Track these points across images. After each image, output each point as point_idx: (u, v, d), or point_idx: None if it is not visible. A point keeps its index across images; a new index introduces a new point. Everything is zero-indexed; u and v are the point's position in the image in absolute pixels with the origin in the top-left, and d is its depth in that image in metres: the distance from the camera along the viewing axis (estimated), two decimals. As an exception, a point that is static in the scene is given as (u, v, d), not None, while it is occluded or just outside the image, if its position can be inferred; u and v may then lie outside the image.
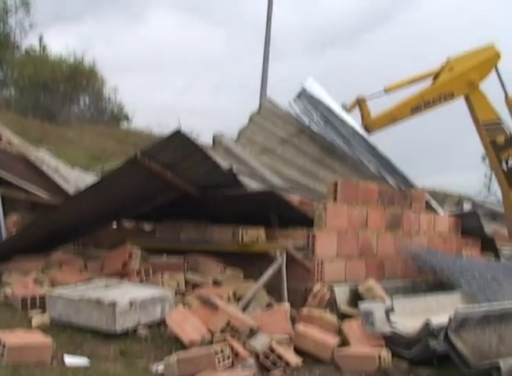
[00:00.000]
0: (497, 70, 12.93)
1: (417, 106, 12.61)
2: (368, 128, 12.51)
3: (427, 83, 13.01)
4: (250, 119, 12.34)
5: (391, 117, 12.65)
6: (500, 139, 12.89)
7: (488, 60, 12.89)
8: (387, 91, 12.85)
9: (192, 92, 48.64)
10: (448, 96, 12.72)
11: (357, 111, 12.77)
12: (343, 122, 11.89)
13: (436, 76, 12.91)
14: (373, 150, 11.90)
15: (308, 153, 11.73)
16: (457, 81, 12.72)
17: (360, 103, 12.72)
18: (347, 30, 57.59)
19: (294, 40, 56.59)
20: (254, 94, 28.78)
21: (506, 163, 13.03)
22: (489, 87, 13.14)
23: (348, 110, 12.64)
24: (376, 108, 12.93)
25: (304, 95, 11.79)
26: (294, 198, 9.49)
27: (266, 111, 12.58)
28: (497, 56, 12.91)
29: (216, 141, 10.98)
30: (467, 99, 12.89)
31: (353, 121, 12.20)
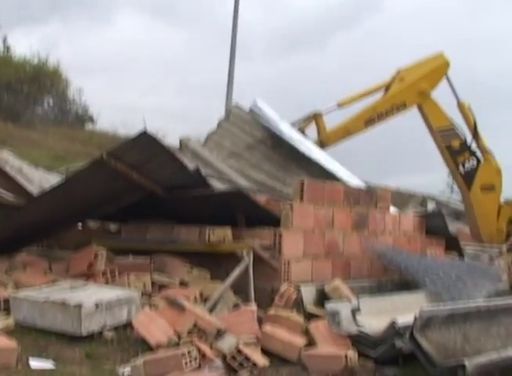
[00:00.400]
0: (447, 78, 13.12)
1: (371, 118, 12.72)
2: (323, 143, 12.55)
3: (379, 95, 13.13)
4: (219, 124, 12.33)
5: (346, 131, 12.74)
6: (455, 144, 13.13)
7: (437, 69, 13.10)
8: (340, 105, 12.95)
9: (157, 93, 48.50)
10: (401, 107, 12.87)
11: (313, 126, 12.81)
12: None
13: (388, 87, 13.04)
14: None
15: (274, 158, 11.74)
16: (408, 91, 12.89)
17: (316, 118, 12.77)
18: (313, 32, 57.74)
19: (261, 40, 56.75)
20: (220, 94, 28.77)
21: (463, 166, 13.26)
22: (441, 93, 13.36)
23: (303, 125, 12.66)
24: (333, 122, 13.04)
25: (252, 112, 11.77)
26: (261, 198, 9.49)
27: (234, 117, 12.57)
28: (446, 64, 13.13)
29: (183, 144, 10.96)
30: (420, 107, 13.08)
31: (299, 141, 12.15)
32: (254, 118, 11.89)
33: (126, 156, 7.91)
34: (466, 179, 13.40)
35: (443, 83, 13.26)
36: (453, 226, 13.15)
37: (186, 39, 56.45)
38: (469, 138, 13.34)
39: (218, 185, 9.95)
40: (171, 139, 23.35)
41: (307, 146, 11.56)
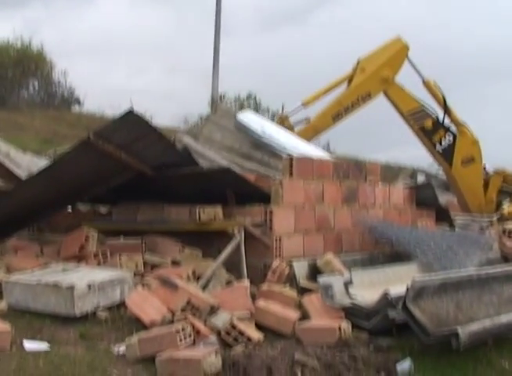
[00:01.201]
0: (409, 59, 13.07)
1: (338, 113, 12.66)
2: None
3: (344, 88, 13.08)
4: (207, 119, 12.28)
5: (314, 129, 12.68)
6: (428, 124, 13.12)
7: (397, 54, 13.03)
8: (305, 104, 12.89)
9: (144, 74, 48.17)
10: (366, 97, 12.81)
11: None
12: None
13: (350, 79, 12.98)
14: None
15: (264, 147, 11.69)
16: (371, 81, 12.82)
17: (283, 121, 12.71)
18: (299, 7, 57.40)
19: (246, 17, 56.30)
20: (207, 74, 28.64)
21: (440, 144, 13.26)
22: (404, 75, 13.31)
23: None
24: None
25: (237, 124, 11.71)
26: (250, 175, 9.48)
27: (222, 111, 12.55)
28: (405, 47, 13.07)
29: (176, 139, 10.93)
30: (386, 94, 13.03)
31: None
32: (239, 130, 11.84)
33: (113, 136, 7.87)
34: (445, 156, 13.41)
35: (406, 64, 13.19)
36: (443, 198, 13.16)
37: (172, 19, 56.03)
38: (440, 115, 13.32)
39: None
40: (160, 120, 23.34)
41: (291, 147, 11.44)
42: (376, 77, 12.80)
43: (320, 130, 12.68)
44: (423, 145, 13.67)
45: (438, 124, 13.22)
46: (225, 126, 11.53)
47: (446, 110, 13.24)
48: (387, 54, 12.98)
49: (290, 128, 12.56)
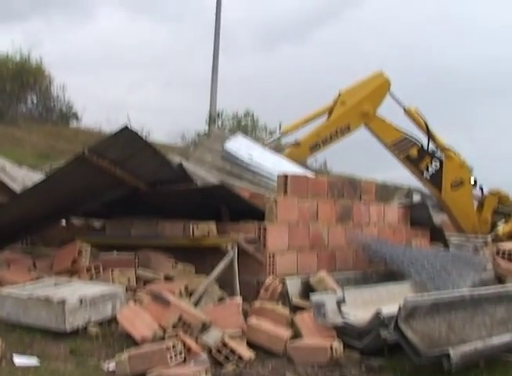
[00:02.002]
0: (391, 93, 13.09)
1: (316, 144, 12.65)
2: None
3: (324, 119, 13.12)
4: (200, 143, 12.29)
5: (292, 158, 12.66)
6: (413, 152, 13.12)
7: (378, 89, 13.03)
8: (284, 133, 12.95)
9: (142, 90, 48.24)
10: (345, 130, 12.82)
11: None
12: None
13: (331, 111, 13.00)
14: None
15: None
16: (351, 114, 12.82)
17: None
18: (298, 25, 57.68)
19: (244, 34, 56.58)
20: (205, 90, 28.68)
21: (428, 170, 13.27)
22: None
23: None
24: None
25: (225, 154, 11.72)
26: (244, 192, 9.48)
27: (214, 136, 12.62)
28: (387, 82, 13.07)
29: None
30: (368, 127, 13.05)
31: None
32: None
33: (108, 152, 7.89)
34: (434, 183, 13.41)
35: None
36: (438, 217, 13.15)
37: (171, 35, 56.24)
38: (425, 142, 13.33)
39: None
40: (157, 136, 23.35)
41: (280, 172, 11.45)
42: (356, 110, 12.81)
43: (298, 159, 12.61)
44: (411, 173, 13.69)
45: (423, 152, 13.23)
46: (216, 149, 11.58)
47: (430, 136, 13.24)
48: (368, 88, 12.99)
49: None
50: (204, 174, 10.11)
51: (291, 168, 11.03)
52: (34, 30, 46.54)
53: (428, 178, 13.34)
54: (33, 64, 28.42)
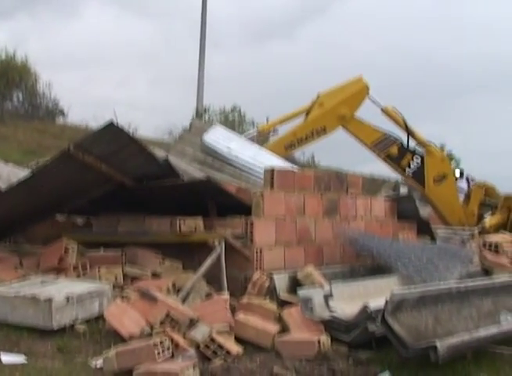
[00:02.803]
0: (370, 98, 13.15)
1: (291, 143, 12.72)
2: None
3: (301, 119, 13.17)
4: (181, 136, 12.21)
5: None
6: (394, 151, 13.20)
7: (357, 93, 13.11)
8: (261, 132, 13.00)
9: (129, 86, 48.19)
10: (321, 131, 12.89)
11: None
12: None
13: (308, 112, 13.06)
14: None
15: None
16: (328, 116, 12.90)
17: None
18: (286, 22, 57.76)
19: (232, 30, 56.60)
20: (192, 86, 28.65)
21: (410, 167, 13.33)
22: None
23: None
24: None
25: (203, 146, 11.68)
26: (231, 187, 9.46)
27: (195, 129, 12.54)
28: (366, 88, 13.16)
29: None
30: (346, 129, 13.11)
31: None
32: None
33: (94, 147, 7.86)
34: (416, 179, 13.48)
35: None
36: (425, 210, 13.20)
37: (158, 32, 56.20)
38: (404, 139, 13.39)
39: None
40: (144, 132, 23.29)
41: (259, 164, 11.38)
42: (333, 113, 12.87)
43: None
44: (394, 171, 13.76)
45: (403, 149, 13.30)
46: (196, 142, 11.54)
47: (409, 132, 13.31)
48: (347, 92, 13.06)
49: None
50: (185, 167, 10.05)
51: (271, 160, 11.02)
52: (19, 28, 46.36)
53: (411, 175, 13.41)
54: (18, 62, 28.28)
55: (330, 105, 12.88)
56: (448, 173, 13.62)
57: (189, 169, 10.02)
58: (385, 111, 13.31)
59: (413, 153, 13.37)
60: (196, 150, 11.47)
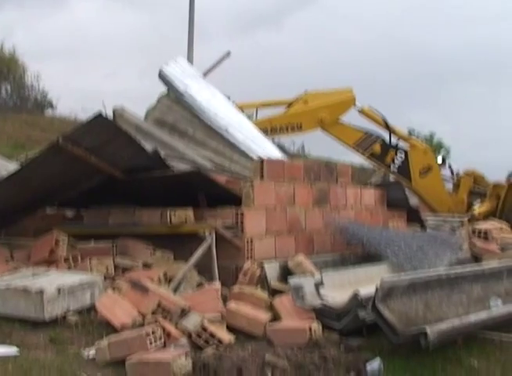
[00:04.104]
0: (357, 109, 13.22)
1: (264, 129, 12.70)
2: None
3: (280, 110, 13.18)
4: (159, 100, 11.93)
5: None
6: (376, 149, 13.30)
7: (342, 103, 13.22)
8: (238, 109, 12.95)
9: (118, 77, 48.02)
10: (296, 128, 12.94)
11: None
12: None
13: (290, 105, 13.07)
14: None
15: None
16: (308, 116, 12.97)
17: None
18: (274, 11, 57.65)
19: (220, 21, 56.39)
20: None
21: (394, 163, 13.39)
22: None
23: None
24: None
25: (161, 78, 11.51)
26: (221, 178, 9.48)
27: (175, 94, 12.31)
28: (352, 100, 13.26)
29: (117, 115, 10.48)
30: (327, 132, 13.16)
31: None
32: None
33: (83, 140, 7.84)
34: (402, 174, 13.57)
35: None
36: (414, 199, 13.26)
37: (146, 22, 55.94)
38: (386, 136, 13.44)
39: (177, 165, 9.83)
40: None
41: (213, 110, 11.30)
42: (313, 114, 12.94)
43: None
44: (378, 168, 13.83)
45: (386, 146, 13.39)
46: (178, 111, 11.32)
47: (389, 129, 13.36)
48: (333, 99, 13.15)
49: None
50: (160, 134, 9.94)
51: (223, 107, 11.06)
52: (6, 19, 46.04)
53: (396, 170, 13.50)
54: (6, 54, 28.16)
55: (314, 105, 12.97)
56: (432, 164, 13.73)
57: (168, 140, 9.87)
58: (363, 111, 13.38)
59: (396, 148, 13.46)
60: (177, 118, 11.22)
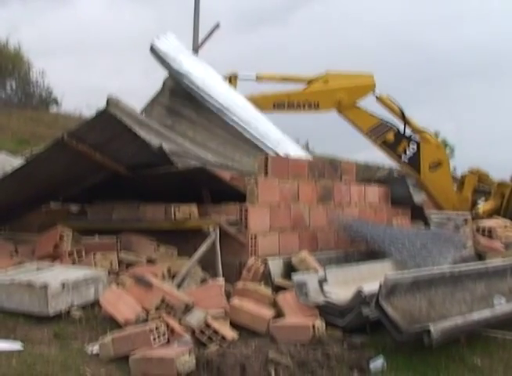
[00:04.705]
0: (375, 95, 13.18)
1: (281, 103, 12.69)
2: None
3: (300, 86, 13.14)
4: (164, 83, 11.79)
5: (253, 103, 12.60)
6: (390, 137, 13.23)
7: (362, 87, 13.15)
8: (258, 78, 12.93)
9: (122, 74, 48.01)
10: (314, 106, 12.86)
11: None
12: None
13: (310, 83, 13.03)
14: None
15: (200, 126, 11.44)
16: (326, 95, 12.90)
17: (231, 80, 12.65)
18: (280, 7, 57.56)
19: (228, 17, 56.38)
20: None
21: (405, 154, 13.36)
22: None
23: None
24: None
25: (153, 53, 11.45)
26: (225, 174, 9.47)
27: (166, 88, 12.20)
28: (372, 86, 13.18)
29: (111, 104, 10.38)
30: (343, 115, 13.12)
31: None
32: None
33: (87, 136, 7.87)
34: (412, 165, 13.51)
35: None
36: (419, 196, 13.24)
37: (151, 19, 55.92)
38: (400, 126, 13.41)
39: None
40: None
41: (208, 85, 11.31)
42: (332, 94, 12.88)
43: (258, 108, 12.55)
44: (389, 158, 13.78)
45: (399, 136, 13.33)
46: (181, 95, 11.29)
47: (405, 120, 13.32)
48: (353, 82, 13.09)
49: (234, 88, 12.43)
50: (156, 126, 9.91)
51: (219, 88, 11.07)
52: (12, 16, 46.10)
53: (406, 161, 13.44)
54: (11, 50, 28.18)
55: (333, 86, 12.91)
56: (443, 160, 13.67)
57: (162, 130, 9.85)
58: (380, 99, 13.33)
59: (409, 139, 13.40)
60: (175, 101, 11.25)
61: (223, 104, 11.14)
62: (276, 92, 12.92)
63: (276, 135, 11.41)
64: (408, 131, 13.46)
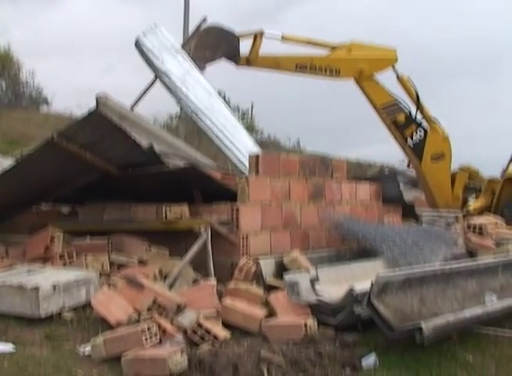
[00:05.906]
0: (394, 70, 13.19)
1: (303, 65, 12.59)
2: (249, 61, 12.34)
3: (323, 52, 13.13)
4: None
5: (276, 63, 12.47)
6: (401, 118, 13.18)
7: (384, 60, 13.12)
8: (283, 39, 12.84)
9: (113, 74, 47.82)
10: (334, 73, 12.83)
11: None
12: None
13: (333, 49, 13.05)
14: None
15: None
16: (348, 63, 12.87)
17: (256, 37, 12.60)
18: (270, 6, 57.50)
19: (217, 16, 56.17)
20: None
21: (412, 138, 13.35)
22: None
23: (242, 36, 12.40)
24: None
25: (137, 48, 11.45)
26: (216, 173, 9.48)
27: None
28: (394, 60, 13.16)
29: (100, 102, 10.38)
30: (360, 86, 13.10)
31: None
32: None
33: (77, 136, 7.84)
34: (415, 151, 13.48)
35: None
36: (411, 194, 13.25)
37: (141, 18, 55.69)
38: (413, 110, 13.40)
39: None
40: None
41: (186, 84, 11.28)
42: (354, 63, 12.85)
43: (280, 67, 12.36)
44: (394, 139, 13.73)
45: (410, 119, 13.29)
46: None
47: (419, 105, 13.32)
48: (375, 54, 13.06)
49: (257, 46, 12.41)
50: (145, 124, 9.89)
51: (198, 87, 11.07)
52: (1, 16, 45.88)
53: (411, 146, 13.40)
54: (1, 50, 28.08)
55: (356, 55, 12.89)
56: (446, 154, 13.63)
57: (151, 127, 9.80)
58: (401, 80, 13.32)
59: (419, 125, 13.40)
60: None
61: (199, 106, 11.10)
62: (299, 55, 12.91)
63: (248, 143, 11.39)
64: (419, 117, 13.46)
